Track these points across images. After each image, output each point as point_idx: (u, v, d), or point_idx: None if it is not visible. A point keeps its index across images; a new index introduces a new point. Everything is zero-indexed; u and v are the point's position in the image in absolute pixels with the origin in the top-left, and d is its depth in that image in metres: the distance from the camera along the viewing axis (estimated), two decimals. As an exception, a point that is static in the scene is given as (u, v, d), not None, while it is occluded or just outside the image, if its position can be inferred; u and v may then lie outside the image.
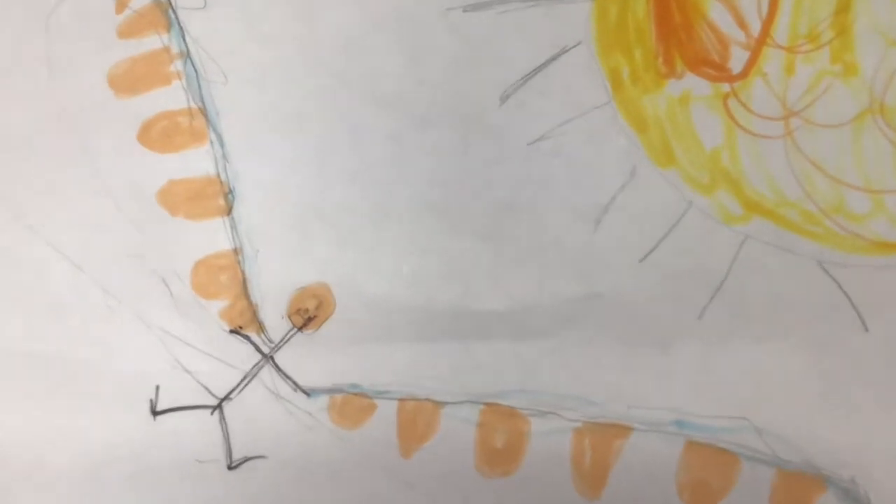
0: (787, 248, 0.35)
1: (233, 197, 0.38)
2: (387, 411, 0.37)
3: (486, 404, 0.37)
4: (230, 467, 0.37)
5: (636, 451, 0.36)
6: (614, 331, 0.36)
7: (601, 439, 0.36)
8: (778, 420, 0.35)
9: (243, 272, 0.38)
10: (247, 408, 0.38)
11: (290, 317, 0.38)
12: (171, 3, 0.38)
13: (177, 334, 0.38)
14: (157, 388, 0.38)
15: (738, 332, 0.35)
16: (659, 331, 0.36)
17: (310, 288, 0.37)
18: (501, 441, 0.36)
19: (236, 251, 0.38)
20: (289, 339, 0.38)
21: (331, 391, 0.37)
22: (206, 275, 0.38)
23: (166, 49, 0.38)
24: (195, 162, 0.38)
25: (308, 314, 0.37)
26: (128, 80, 0.38)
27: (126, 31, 0.38)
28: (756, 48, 0.35)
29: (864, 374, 0.35)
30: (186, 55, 0.38)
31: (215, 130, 0.38)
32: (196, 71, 0.38)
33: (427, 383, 0.37)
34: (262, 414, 0.37)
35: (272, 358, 0.38)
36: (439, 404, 0.37)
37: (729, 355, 0.36)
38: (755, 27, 0.35)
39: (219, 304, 0.38)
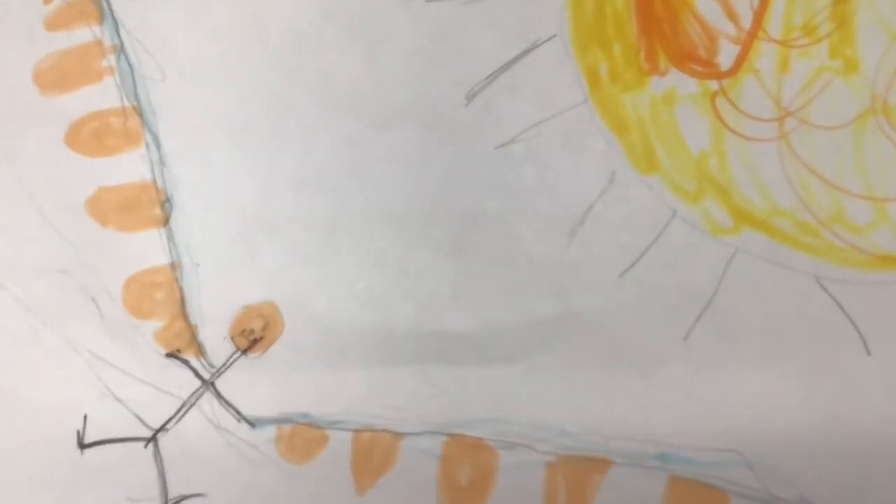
0: (781, 262, 0.35)
1: (170, 205, 0.37)
2: (340, 443, 0.36)
3: (450, 435, 0.36)
4: (165, 507, 0.37)
5: (615, 487, 0.35)
6: (591, 353, 0.35)
7: (577, 474, 0.35)
8: (771, 452, 0.34)
9: (181, 289, 0.37)
10: (184, 440, 0.37)
11: (233, 339, 0.37)
12: (104, -8, 0.38)
13: (107, 358, 0.37)
14: (85, 417, 0.37)
15: (727, 354, 0.35)
16: (640, 353, 0.35)
17: (255, 307, 0.37)
18: (467, 476, 0.36)
19: (174, 266, 0.37)
20: (231, 364, 0.37)
21: (278, 421, 0.36)
22: (140, 292, 0.37)
23: (98, 42, 0.37)
24: (129, 167, 0.37)
25: (253, 336, 0.37)
26: (55, 77, 0.37)
27: (54, 23, 0.37)
28: (747, 42, 0.35)
29: (866, 400, 0.34)
30: (120, 49, 0.37)
31: (151, 132, 0.37)
32: (131, 66, 0.37)
33: (384, 412, 0.36)
34: (202, 447, 0.37)
35: (213, 384, 0.37)
36: (398, 435, 0.36)
37: (717, 380, 0.35)
38: (746, 19, 0.35)
39: (154, 325, 0.37)
